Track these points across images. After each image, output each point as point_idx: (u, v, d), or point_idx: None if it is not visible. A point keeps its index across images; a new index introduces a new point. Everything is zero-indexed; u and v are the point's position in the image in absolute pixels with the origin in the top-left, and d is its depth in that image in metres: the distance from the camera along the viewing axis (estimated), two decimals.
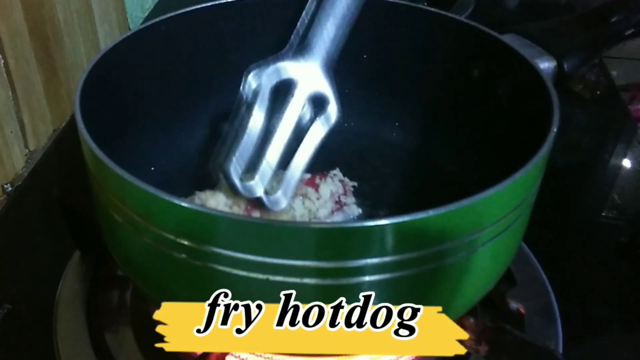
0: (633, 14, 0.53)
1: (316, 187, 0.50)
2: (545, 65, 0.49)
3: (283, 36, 0.57)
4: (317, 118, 0.45)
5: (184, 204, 0.33)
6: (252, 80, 0.44)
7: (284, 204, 0.44)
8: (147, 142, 0.55)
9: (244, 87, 0.45)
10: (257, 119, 0.44)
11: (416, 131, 0.58)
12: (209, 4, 0.54)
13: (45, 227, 0.63)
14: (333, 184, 0.51)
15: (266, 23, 0.57)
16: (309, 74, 0.44)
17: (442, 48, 0.53)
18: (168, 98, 0.54)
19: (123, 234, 0.39)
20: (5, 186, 0.68)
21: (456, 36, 0.52)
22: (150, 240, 0.36)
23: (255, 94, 0.44)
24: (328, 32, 0.45)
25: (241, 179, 0.43)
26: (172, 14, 0.52)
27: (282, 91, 0.45)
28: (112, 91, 0.47)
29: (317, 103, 0.46)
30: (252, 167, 0.44)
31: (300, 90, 0.44)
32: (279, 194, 0.44)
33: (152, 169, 0.54)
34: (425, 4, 0.53)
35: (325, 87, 0.45)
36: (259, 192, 0.43)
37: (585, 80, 0.82)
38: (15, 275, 0.57)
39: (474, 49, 0.51)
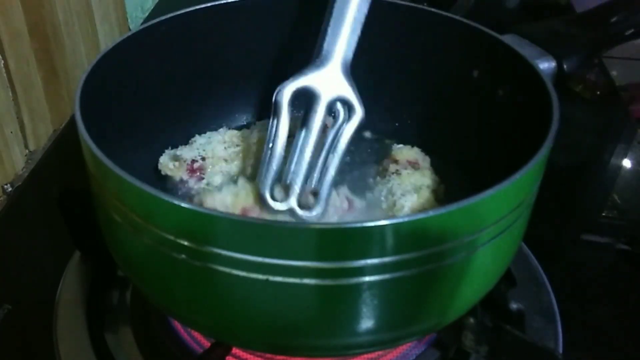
0: (633, 14, 0.53)
1: None
2: (545, 65, 0.49)
3: (283, 36, 0.57)
4: (344, 123, 0.46)
5: (183, 205, 0.33)
6: (277, 97, 0.45)
7: (317, 212, 0.45)
8: (147, 143, 0.55)
9: (273, 106, 0.46)
10: (281, 135, 0.45)
11: (416, 131, 0.58)
12: (209, 4, 0.54)
13: (45, 227, 0.63)
14: (338, 200, 0.48)
15: (266, 23, 0.57)
16: (329, 81, 0.45)
17: (442, 48, 0.53)
18: (168, 98, 0.54)
19: (123, 235, 0.39)
20: (5, 186, 0.68)
21: (456, 36, 0.52)
22: (150, 240, 0.36)
23: (278, 109, 0.45)
24: (342, 37, 0.46)
25: (272, 196, 0.45)
26: (172, 14, 0.52)
27: (306, 102, 0.46)
28: (112, 91, 0.47)
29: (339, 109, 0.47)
30: (283, 180, 0.45)
31: (323, 98, 0.45)
32: (311, 201, 0.45)
33: (152, 169, 0.54)
34: (425, 4, 0.53)
35: (347, 91, 0.46)
36: (291, 205, 0.44)
37: (585, 80, 0.82)
38: (15, 275, 0.57)
39: (474, 49, 0.51)
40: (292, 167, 0.45)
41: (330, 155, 0.46)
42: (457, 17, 0.52)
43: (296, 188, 0.45)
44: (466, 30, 0.51)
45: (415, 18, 0.54)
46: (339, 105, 0.47)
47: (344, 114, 0.46)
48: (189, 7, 0.53)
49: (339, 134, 0.46)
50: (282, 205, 0.44)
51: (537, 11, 1.02)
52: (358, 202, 0.49)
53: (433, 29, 0.53)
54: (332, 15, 0.46)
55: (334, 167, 0.45)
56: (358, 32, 0.46)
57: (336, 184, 0.50)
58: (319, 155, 0.46)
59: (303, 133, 0.46)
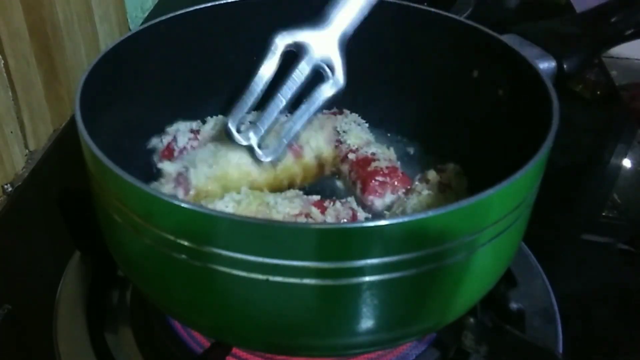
0: (633, 14, 0.53)
1: (323, 210, 0.47)
2: (545, 65, 0.49)
3: None
4: (324, 83, 0.48)
5: (183, 205, 0.33)
6: (273, 39, 0.47)
7: (272, 156, 0.49)
8: (147, 143, 0.55)
9: (267, 49, 0.48)
10: (263, 75, 0.47)
11: (416, 132, 0.58)
12: (209, 4, 0.54)
13: (45, 227, 0.63)
14: (343, 210, 0.48)
15: (266, 23, 0.56)
16: (323, 42, 0.47)
17: (443, 48, 0.53)
18: (168, 99, 0.54)
19: (123, 235, 0.39)
20: (5, 186, 0.68)
21: (456, 36, 0.52)
22: (150, 241, 0.36)
23: (270, 49, 0.47)
24: (348, 10, 0.47)
25: (239, 129, 0.49)
26: (172, 14, 0.52)
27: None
28: (112, 92, 0.47)
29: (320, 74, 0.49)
30: (253, 120, 0.50)
31: (313, 55, 0.47)
32: (272, 145, 0.49)
33: (152, 169, 0.54)
34: (425, 4, 0.53)
35: (335, 56, 0.48)
36: (251, 142, 0.48)
37: (585, 80, 0.82)
38: (15, 275, 0.57)
39: (474, 49, 0.51)
40: (266, 111, 0.48)
41: (303, 111, 0.48)
42: (457, 17, 0.52)
43: (261, 129, 0.48)
44: (466, 30, 0.51)
45: (414, 18, 0.54)
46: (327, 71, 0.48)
47: (329, 80, 0.48)
48: (189, 7, 0.53)
49: (316, 94, 0.48)
50: (244, 140, 0.48)
51: (537, 11, 1.02)
52: (361, 214, 0.49)
53: (433, 29, 0.53)
54: None
55: (301, 122, 0.48)
56: (365, 12, 0.48)
57: (344, 195, 0.52)
58: (293, 109, 0.49)
59: (285, 83, 0.48)
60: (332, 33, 0.47)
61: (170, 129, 0.55)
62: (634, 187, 0.68)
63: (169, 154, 0.53)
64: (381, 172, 0.51)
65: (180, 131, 0.55)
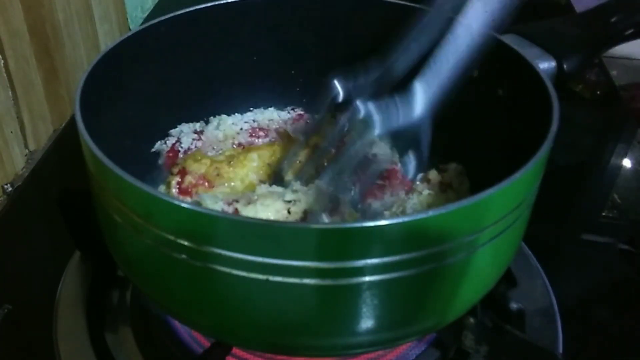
0: (633, 14, 0.53)
1: None
2: (545, 65, 0.49)
3: (283, 36, 0.57)
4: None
5: (183, 205, 0.33)
6: (359, 108, 0.44)
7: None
8: (147, 143, 0.55)
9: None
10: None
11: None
12: (208, 4, 0.54)
13: (45, 227, 0.63)
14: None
15: (266, 23, 0.56)
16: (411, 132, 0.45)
17: None
18: (168, 98, 0.54)
19: (123, 235, 0.39)
20: (5, 186, 0.68)
21: None
22: (150, 241, 0.36)
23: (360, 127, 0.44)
24: (442, 86, 0.43)
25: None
26: (172, 14, 0.52)
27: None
28: (112, 91, 0.47)
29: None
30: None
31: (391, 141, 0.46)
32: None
33: (153, 170, 0.54)
34: (425, 3, 0.53)
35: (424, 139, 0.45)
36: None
37: (585, 80, 0.82)
38: (15, 275, 0.57)
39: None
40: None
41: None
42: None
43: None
44: None
45: (415, 18, 0.54)
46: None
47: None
48: (189, 7, 0.53)
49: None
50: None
51: (537, 11, 1.02)
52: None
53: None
54: (441, 47, 0.43)
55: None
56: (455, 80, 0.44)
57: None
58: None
59: (348, 153, 0.46)
60: (425, 117, 0.44)
61: (174, 131, 0.55)
62: (634, 187, 0.68)
63: (173, 155, 0.53)
64: (380, 175, 0.51)
65: (184, 132, 0.55)
